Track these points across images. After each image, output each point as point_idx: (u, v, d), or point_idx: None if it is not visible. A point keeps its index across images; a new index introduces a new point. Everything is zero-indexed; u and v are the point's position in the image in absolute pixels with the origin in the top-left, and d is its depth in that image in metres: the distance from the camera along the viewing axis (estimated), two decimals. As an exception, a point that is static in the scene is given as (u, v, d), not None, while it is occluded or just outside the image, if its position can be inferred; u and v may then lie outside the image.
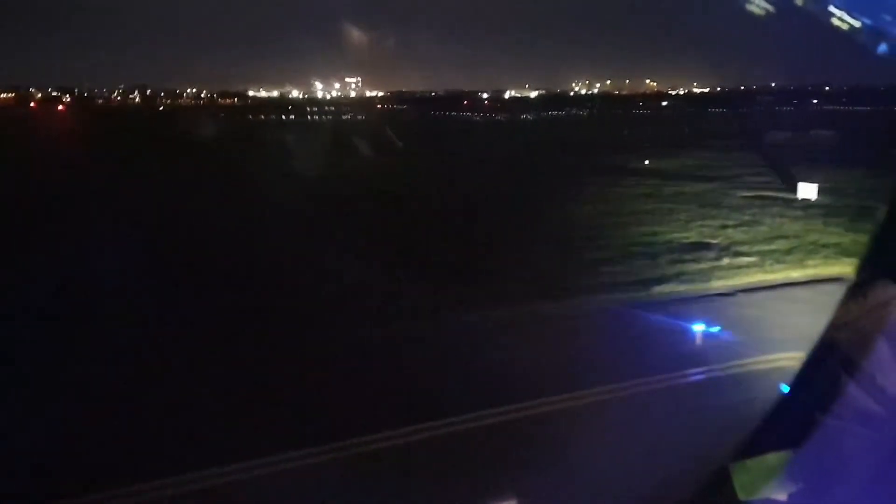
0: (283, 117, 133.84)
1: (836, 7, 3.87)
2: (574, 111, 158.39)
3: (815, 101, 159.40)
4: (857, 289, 3.59)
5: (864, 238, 22.28)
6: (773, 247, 23.05)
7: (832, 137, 67.75)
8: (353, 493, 8.90)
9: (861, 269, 3.75)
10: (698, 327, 14.75)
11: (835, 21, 3.89)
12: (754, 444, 3.72)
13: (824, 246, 22.78)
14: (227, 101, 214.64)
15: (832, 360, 3.46)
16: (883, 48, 3.67)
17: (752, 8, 4.36)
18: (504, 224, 28.02)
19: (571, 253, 22.59)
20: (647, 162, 49.47)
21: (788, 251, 22.41)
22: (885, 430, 3.22)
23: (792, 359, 12.49)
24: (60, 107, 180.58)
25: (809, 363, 3.80)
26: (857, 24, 3.87)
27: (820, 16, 3.95)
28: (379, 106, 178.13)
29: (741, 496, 3.39)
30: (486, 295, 17.39)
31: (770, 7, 4.41)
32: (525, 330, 15.20)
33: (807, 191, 32.46)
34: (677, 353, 13.81)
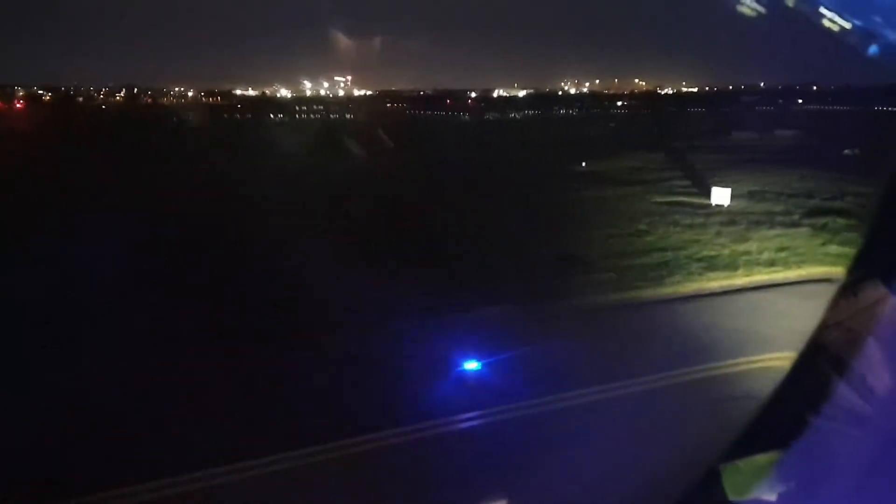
0: (272, 116, 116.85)
1: (828, 9, 3.29)
2: (557, 111, 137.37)
3: (799, 100, 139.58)
4: (848, 289, 2.90)
5: (750, 247, 20.32)
6: (643, 260, 19.01)
7: (794, 137, 61.09)
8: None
9: (852, 270, 3.05)
10: (470, 365, 11.04)
11: (826, 23, 3.28)
12: (745, 445, 3.00)
13: (699, 260, 19.07)
14: (212, 99, 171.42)
15: (822, 361, 2.78)
16: (873, 49, 3.06)
17: (743, 9, 3.73)
18: (383, 236, 21.93)
19: (424, 270, 17.40)
20: (583, 164, 42.58)
21: (657, 266, 18.46)
22: (874, 431, 2.54)
23: (551, 402, 10.03)
24: (19, 105, 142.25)
25: (800, 363, 3.10)
26: (847, 25, 3.28)
27: (812, 17, 3.33)
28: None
29: (731, 496, 2.66)
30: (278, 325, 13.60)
31: (762, 8, 3.78)
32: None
33: (720, 196, 27.47)
34: (412, 400, 10.15)
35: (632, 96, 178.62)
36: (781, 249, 20.24)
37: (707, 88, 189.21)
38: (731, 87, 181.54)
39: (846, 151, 44.99)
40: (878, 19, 3.16)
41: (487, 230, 23.13)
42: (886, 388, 2.58)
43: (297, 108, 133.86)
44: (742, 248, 20.76)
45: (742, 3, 3.67)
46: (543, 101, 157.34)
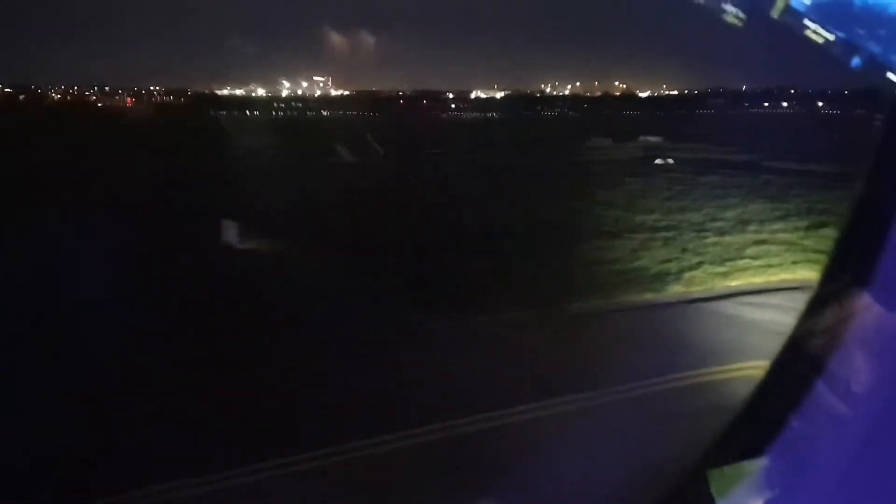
0: (248, 113, 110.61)
1: (812, 21, 3.37)
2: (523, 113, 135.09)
3: (766, 103, 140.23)
4: (830, 297, 2.96)
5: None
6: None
7: (654, 144, 59.26)
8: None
9: (829, 277, 3.10)
10: None
11: (810, 34, 3.37)
12: (727, 448, 3.05)
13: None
14: (168, 98, 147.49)
15: (803, 365, 2.84)
16: (856, 61, 3.15)
17: (728, 18, 3.79)
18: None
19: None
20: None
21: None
22: (858, 435, 2.61)
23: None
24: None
25: (781, 367, 3.16)
26: (831, 37, 3.37)
27: (796, 28, 3.43)
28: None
29: (717, 500, 2.70)
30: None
31: (745, 18, 3.86)
32: None
33: (227, 232, 21.49)
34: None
35: (609, 99, 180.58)
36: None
37: (686, 91, 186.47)
38: (709, 90, 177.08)
39: (657, 161, 46.33)
40: (861, 31, 3.26)
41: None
42: (869, 392, 2.64)
43: (274, 106, 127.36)
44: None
45: (727, 13, 3.76)
46: (523, 102, 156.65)
